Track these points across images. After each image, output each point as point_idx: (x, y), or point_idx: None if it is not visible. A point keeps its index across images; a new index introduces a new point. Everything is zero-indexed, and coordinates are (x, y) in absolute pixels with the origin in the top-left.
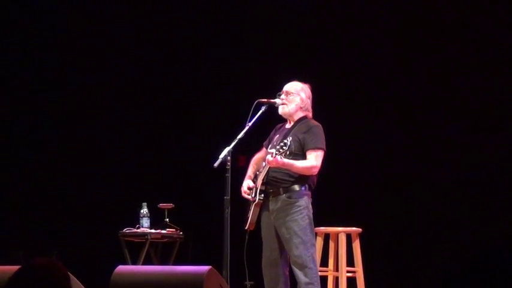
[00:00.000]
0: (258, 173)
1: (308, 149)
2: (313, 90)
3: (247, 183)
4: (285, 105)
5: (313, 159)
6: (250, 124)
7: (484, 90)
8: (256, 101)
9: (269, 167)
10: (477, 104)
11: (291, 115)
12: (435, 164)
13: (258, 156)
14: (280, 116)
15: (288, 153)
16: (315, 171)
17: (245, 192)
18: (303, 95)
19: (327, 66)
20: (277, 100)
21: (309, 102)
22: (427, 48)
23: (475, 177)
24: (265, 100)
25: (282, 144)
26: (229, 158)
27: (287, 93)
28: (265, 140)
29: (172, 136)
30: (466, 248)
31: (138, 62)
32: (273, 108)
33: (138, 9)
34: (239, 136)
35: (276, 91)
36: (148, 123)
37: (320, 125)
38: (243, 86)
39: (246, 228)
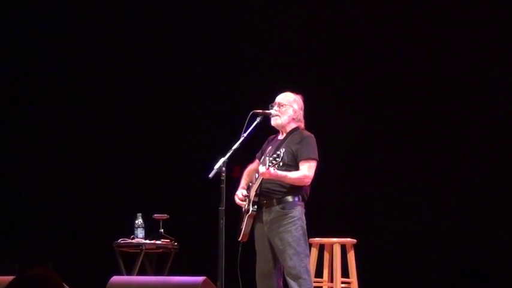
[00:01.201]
0: (250, 184)
1: (301, 160)
2: (305, 101)
3: (241, 191)
4: (277, 117)
5: (306, 170)
6: (245, 135)
7: (478, 96)
8: (251, 112)
9: (262, 179)
10: (472, 113)
11: (283, 126)
12: (430, 175)
13: (250, 167)
14: (273, 127)
15: (281, 164)
16: (308, 181)
17: (240, 199)
18: (295, 106)
19: (320, 76)
20: (272, 111)
21: (301, 113)
22: (420, 55)
23: (470, 188)
24: (260, 111)
25: (275, 155)
26: (224, 168)
27: (279, 105)
28: (258, 151)
29: (167, 147)
30: (462, 259)
31: (134, 71)
32: (268, 119)
33: (128, 24)
34: (234, 147)
35: (271, 101)
36: (143, 133)
37: (312, 136)
38: (237, 97)
39: (239, 239)
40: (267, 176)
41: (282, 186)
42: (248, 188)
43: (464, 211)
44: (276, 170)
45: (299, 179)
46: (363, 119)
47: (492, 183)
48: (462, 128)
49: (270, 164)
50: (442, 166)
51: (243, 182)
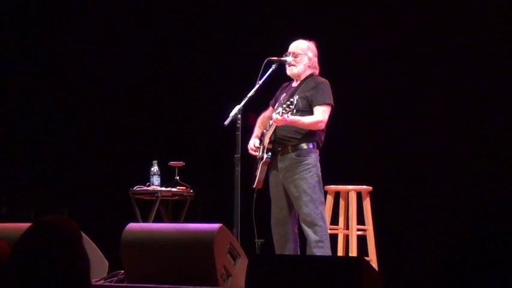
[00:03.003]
0: (265, 131)
1: (315, 105)
2: (320, 47)
3: (254, 141)
4: (293, 67)
5: (320, 114)
6: (260, 82)
7: (499, 46)
8: (267, 59)
9: (276, 126)
10: (490, 59)
11: (299, 75)
12: (446, 122)
13: (264, 115)
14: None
15: (294, 111)
16: (322, 125)
17: (251, 149)
18: (310, 54)
19: (334, 21)
20: (287, 58)
21: (315, 60)
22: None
23: (486, 134)
24: (276, 58)
25: (288, 103)
26: (239, 116)
27: (294, 55)
28: (272, 98)
29: (183, 94)
30: (477, 206)
31: (147, 20)
32: (283, 66)
33: None
34: (249, 94)
35: (287, 48)
36: (159, 81)
37: (327, 81)
38: (253, 44)
39: (254, 186)
40: (280, 123)
41: (296, 133)
42: (262, 136)
43: (481, 159)
44: (289, 116)
45: (312, 123)
46: (380, 65)
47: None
48: (482, 77)
49: (284, 111)
50: (459, 113)
51: (257, 130)
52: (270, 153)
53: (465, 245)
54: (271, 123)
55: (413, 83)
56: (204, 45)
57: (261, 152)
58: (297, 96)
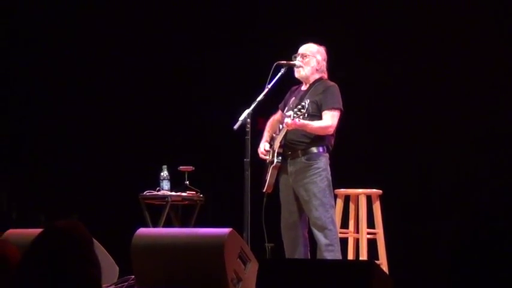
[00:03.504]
0: (274, 135)
1: (324, 109)
2: (331, 50)
3: (264, 145)
4: (301, 68)
5: (329, 119)
6: (269, 86)
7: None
8: (276, 63)
9: (286, 130)
10: (500, 62)
11: (307, 77)
12: (456, 125)
13: (273, 118)
14: (296, 78)
15: (306, 115)
16: (331, 130)
17: (262, 153)
18: (318, 57)
19: (343, 26)
20: (296, 62)
21: (324, 64)
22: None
23: (497, 137)
24: (285, 62)
25: (299, 107)
26: (249, 120)
27: (303, 56)
28: (281, 102)
29: (192, 98)
30: (489, 209)
31: (155, 23)
32: (292, 70)
33: None
34: (259, 98)
35: (294, 52)
36: (168, 85)
37: (336, 85)
38: (262, 48)
39: (264, 190)
40: (291, 127)
41: (306, 137)
42: (272, 140)
43: (491, 162)
44: (300, 120)
45: (321, 128)
46: (390, 69)
47: None
48: (489, 77)
49: (295, 115)
50: (469, 116)
51: (266, 134)
52: (280, 158)
53: (476, 248)
54: (281, 127)
55: (423, 86)
56: (214, 50)
57: (271, 156)
58: (308, 100)
